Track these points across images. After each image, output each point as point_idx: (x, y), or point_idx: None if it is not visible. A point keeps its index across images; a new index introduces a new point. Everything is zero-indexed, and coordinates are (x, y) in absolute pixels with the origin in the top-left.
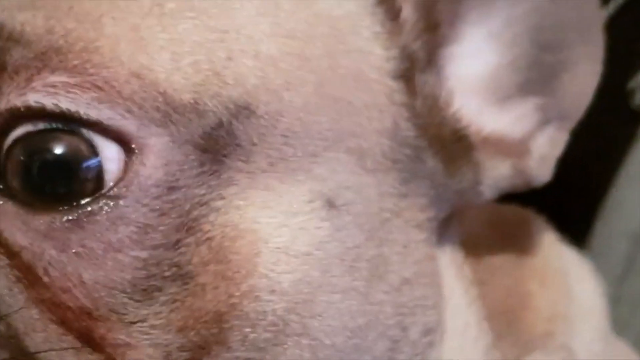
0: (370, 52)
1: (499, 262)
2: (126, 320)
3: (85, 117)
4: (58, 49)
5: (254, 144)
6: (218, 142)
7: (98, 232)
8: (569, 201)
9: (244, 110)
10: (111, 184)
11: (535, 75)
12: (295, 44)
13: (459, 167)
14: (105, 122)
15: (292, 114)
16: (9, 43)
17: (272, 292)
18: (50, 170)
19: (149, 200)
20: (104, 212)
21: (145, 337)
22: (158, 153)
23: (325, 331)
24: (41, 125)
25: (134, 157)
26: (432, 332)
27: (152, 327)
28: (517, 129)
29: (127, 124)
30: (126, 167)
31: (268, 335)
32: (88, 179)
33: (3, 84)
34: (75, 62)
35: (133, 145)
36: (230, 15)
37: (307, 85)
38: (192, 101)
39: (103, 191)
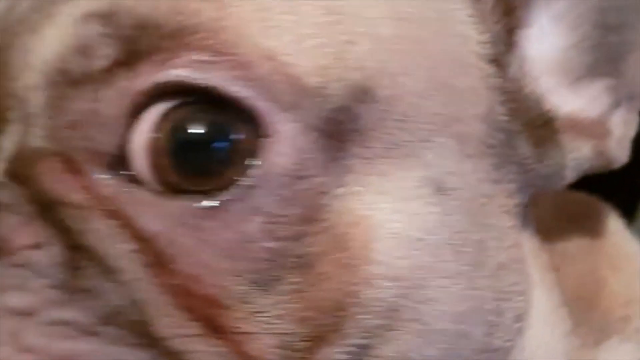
0: (468, 36)
1: (571, 248)
2: (248, 310)
3: (224, 94)
4: (188, 29)
5: (371, 129)
6: (340, 127)
7: (231, 222)
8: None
9: (364, 95)
10: (247, 173)
11: (601, 57)
12: (409, 27)
13: (546, 151)
14: (244, 102)
15: (406, 98)
16: (139, 30)
17: (388, 278)
18: (186, 157)
19: (280, 189)
20: (238, 201)
21: (266, 326)
22: (288, 140)
23: (435, 316)
24: (176, 112)
25: (267, 145)
26: (522, 319)
27: (273, 317)
28: (593, 110)
29: (263, 106)
30: (260, 156)
31: (383, 321)
32: (224, 166)
33: (140, 66)
34: (209, 41)
35: (267, 132)
36: None
37: (421, 70)
38: (318, 85)
39: (238, 180)
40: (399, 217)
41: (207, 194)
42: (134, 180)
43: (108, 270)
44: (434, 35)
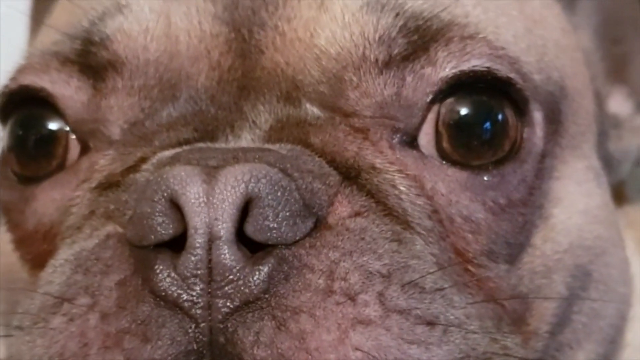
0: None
1: None
2: (493, 268)
3: (519, 86)
4: (449, 25)
5: (565, 122)
6: (554, 119)
7: (505, 190)
8: None
9: (563, 91)
10: (518, 150)
11: (609, 65)
12: (568, 37)
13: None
14: (521, 92)
15: (576, 97)
16: (425, 22)
17: (582, 247)
18: (464, 135)
19: (536, 164)
20: (512, 173)
21: (501, 284)
22: (539, 125)
23: (614, 279)
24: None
25: (528, 128)
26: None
27: (504, 273)
28: (623, 112)
29: (528, 96)
30: (525, 136)
31: (579, 283)
32: (510, 142)
33: (435, 55)
34: (471, 35)
35: (527, 117)
36: (530, 6)
37: (581, 74)
38: (540, 82)
39: (516, 155)
40: (581, 198)
41: (488, 166)
42: (420, 152)
43: (410, 228)
44: (578, 44)
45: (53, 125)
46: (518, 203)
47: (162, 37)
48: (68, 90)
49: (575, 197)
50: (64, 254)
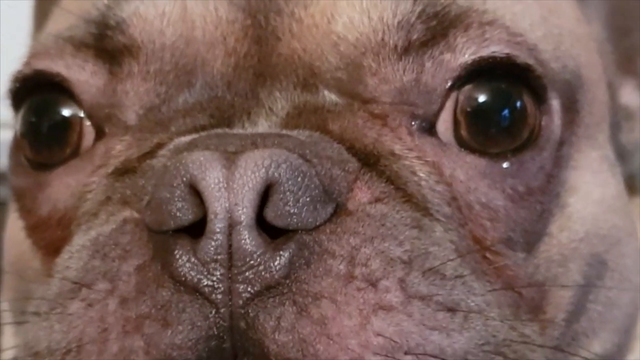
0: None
1: None
2: (511, 256)
3: (538, 73)
4: (468, 11)
5: (581, 111)
6: (571, 108)
7: (523, 177)
8: None
9: (578, 80)
10: (536, 137)
11: (618, 57)
12: (582, 26)
13: (631, 132)
14: (540, 80)
15: (591, 87)
16: (445, 8)
17: (598, 236)
18: (483, 122)
19: (554, 153)
20: (530, 161)
21: (518, 272)
22: (557, 114)
23: (629, 268)
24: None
25: (546, 116)
26: None
27: (521, 261)
28: (634, 103)
29: (546, 83)
30: (543, 123)
31: (595, 271)
32: (528, 130)
33: (454, 40)
34: (490, 21)
35: (546, 105)
36: None
37: (595, 64)
38: (557, 70)
39: (534, 142)
40: (596, 188)
41: (500, 154)
42: (438, 139)
43: (430, 214)
44: (593, 35)
45: (67, 112)
46: (536, 191)
47: (178, 22)
48: (83, 75)
49: (590, 186)
50: (81, 240)
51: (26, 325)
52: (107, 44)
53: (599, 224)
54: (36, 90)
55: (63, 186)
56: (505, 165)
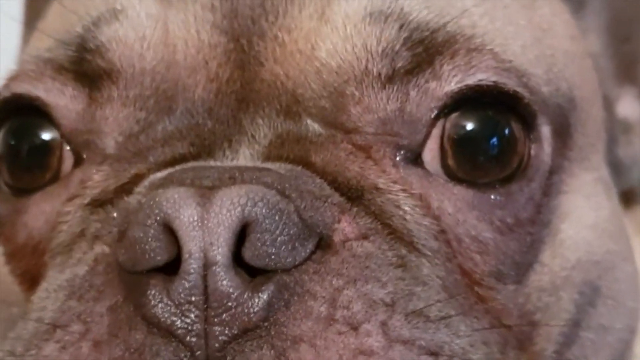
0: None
1: None
2: (501, 289)
3: (526, 100)
4: (455, 36)
5: (574, 134)
6: (562, 131)
7: (515, 210)
8: None
9: (571, 103)
10: (525, 167)
11: (618, 64)
12: (577, 44)
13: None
14: (528, 107)
15: (585, 107)
16: (429, 33)
17: (591, 262)
18: (469, 151)
19: (544, 182)
20: (521, 192)
21: (508, 305)
22: (547, 141)
23: (623, 293)
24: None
25: (535, 145)
26: None
27: (511, 294)
28: (633, 114)
29: (536, 111)
30: (532, 152)
31: (587, 299)
32: (517, 159)
33: (440, 68)
34: (478, 47)
35: (535, 132)
36: (538, 14)
37: (590, 82)
38: (549, 94)
39: (523, 173)
40: (590, 212)
41: (495, 184)
42: (424, 169)
43: (416, 250)
44: (585, 53)
45: (47, 135)
46: (526, 222)
47: (159, 45)
48: (63, 99)
49: (583, 211)
50: (57, 280)
51: None
52: (86, 68)
53: (592, 249)
54: (16, 113)
55: (39, 213)
56: (493, 196)
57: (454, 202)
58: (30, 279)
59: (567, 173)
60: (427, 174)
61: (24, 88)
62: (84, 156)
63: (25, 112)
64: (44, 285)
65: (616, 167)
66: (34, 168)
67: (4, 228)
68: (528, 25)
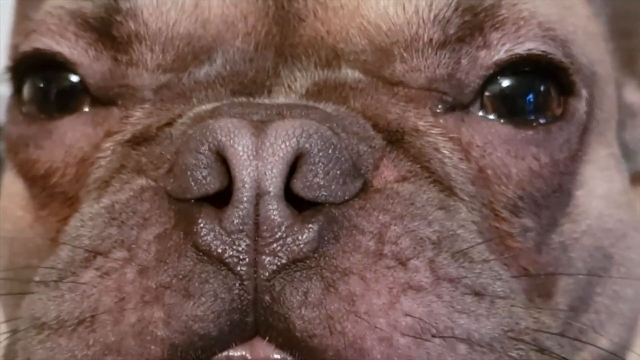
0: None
1: None
2: (518, 226)
3: (570, 70)
4: (501, 4)
5: (595, 108)
6: (590, 101)
7: (551, 149)
8: None
9: (594, 76)
10: (565, 112)
11: (620, 59)
12: (594, 24)
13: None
14: (571, 75)
15: (602, 83)
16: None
17: (602, 230)
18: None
19: (580, 132)
20: (559, 132)
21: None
22: (585, 99)
23: (635, 262)
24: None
25: (575, 100)
26: None
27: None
28: (637, 101)
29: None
30: (572, 104)
31: (600, 263)
32: (554, 105)
33: (489, 36)
34: (524, 16)
35: (575, 90)
36: None
37: (605, 62)
38: (584, 64)
39: (562, 116)
40: (603, 183)
41: (527, 122)
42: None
43: (454, 194)
44: (603, 33)
45: (75, 78)
46: (560, 163)
47: (193, 7)
48: (86, 59)
49: (597, 182)
50: (93, 208)
51: (31, 296)
52: (114, 30)
53: (603, 218)
54: (38, 69)
55: (79, 133)
56: (531, 132)
57: (485, 136)
58: (62, 204)
59: (586, 143)
60: (465, 114)
61: (45, 43)
62: (119, 102)
63: (48, 66)
64: (77, 217)
65: (624, 151)
66: (64, 106)
67: (25, 153)
68: (552, 2)
